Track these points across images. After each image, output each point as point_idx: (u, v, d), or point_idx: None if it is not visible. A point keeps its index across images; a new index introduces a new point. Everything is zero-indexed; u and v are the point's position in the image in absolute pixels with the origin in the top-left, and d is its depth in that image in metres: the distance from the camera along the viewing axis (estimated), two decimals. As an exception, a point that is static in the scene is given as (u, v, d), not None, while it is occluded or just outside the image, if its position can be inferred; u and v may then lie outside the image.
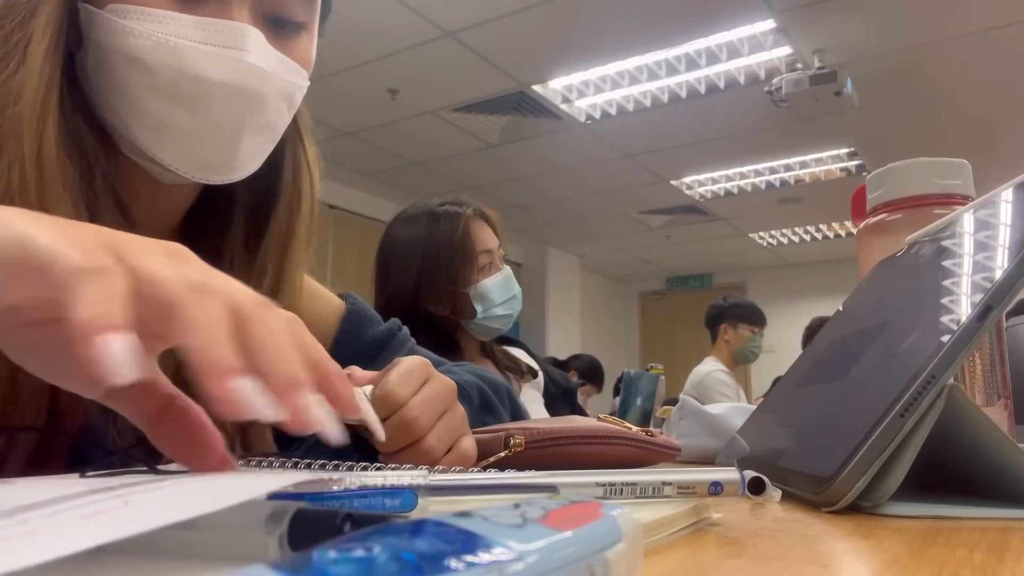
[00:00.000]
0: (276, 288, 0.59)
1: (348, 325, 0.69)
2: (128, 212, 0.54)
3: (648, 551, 0.26)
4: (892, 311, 0.47)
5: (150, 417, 0.31)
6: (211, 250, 0.58)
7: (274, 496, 0.23)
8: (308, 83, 0.57)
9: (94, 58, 0.50)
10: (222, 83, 0.50)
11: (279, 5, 0.54)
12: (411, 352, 0.72)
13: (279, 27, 0.54)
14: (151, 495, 0.19)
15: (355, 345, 0.69)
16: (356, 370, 0.49)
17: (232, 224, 0.60)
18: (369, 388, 0.45)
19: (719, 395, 2.96)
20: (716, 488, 0.30)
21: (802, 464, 0.39)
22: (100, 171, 0.51)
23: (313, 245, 0.63)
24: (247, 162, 0.54)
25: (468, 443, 0.48)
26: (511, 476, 0.31)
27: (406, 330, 0.73)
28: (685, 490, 0.30)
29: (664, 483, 0.30)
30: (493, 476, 0.31)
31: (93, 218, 0.49)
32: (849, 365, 0.44)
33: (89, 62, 0.51)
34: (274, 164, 0.59)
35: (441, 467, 0.44)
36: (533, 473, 0.30)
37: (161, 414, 0.31)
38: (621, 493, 0.30)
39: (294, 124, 0.61)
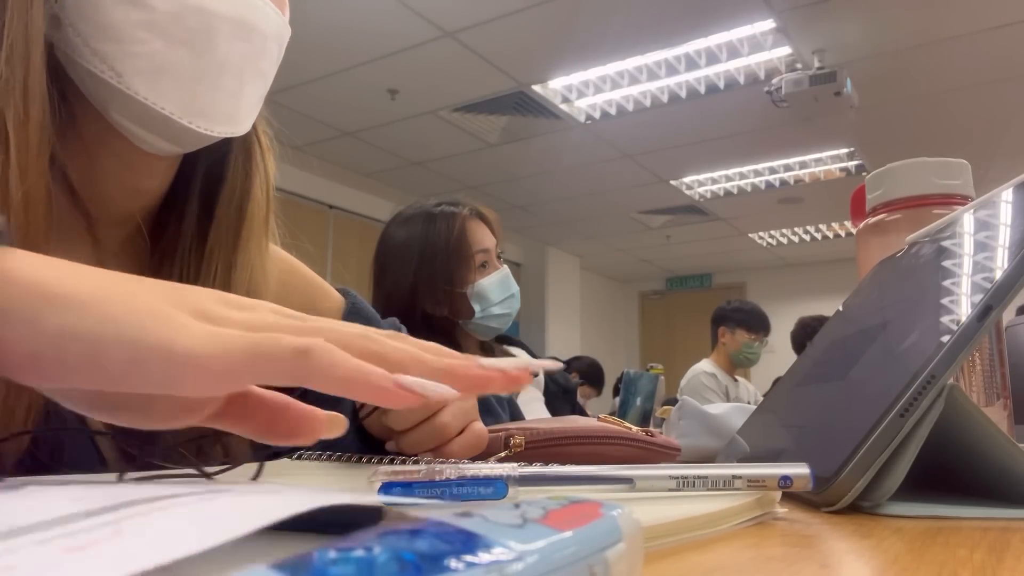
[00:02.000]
0: (228, 277, 0.54)
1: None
2: (85, 202, 0.49)
3: (653, 552, 0.26)
4: (892, 311, 0.47)
5: (245, 418, 0.31)
6: (170, 243, 0.56)
7: (386, 487, 0.28)
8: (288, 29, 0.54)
9: (70, 4, 0.44)
10: (228, 17, 0.46)
11: None
12: None
13: None
14: (158, 518, 0.18)
15: None
16: None
17: (187, 213, 0.56)
18: None
19: (702, 398, 2.96)
20: (786, 482, 0.31)
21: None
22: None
23: (268, 228, 0.59)
24: (249, 112, 0.50)
25: (480, 426, 0.49)
26: (590, 468, 0.33)
27: (405, 330, 0.73)
28: (755, 483, 0.31)
29: (735, 476, 0.32)
30: (574, 468, 0.34)
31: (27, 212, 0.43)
32: (849, 365, 0.44)
33: (69, 12, 0.44)
34: (225, 143, 0.54)
35: (453, 459, 0.44)
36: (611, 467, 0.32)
37: (249, 410, 0.32)
38: (693, 486, 0.32)
39: None
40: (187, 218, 0.56)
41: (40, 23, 0.43)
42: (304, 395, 0.61)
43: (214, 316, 0.27)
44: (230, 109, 0.48)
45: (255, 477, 0.34)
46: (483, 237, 1.44)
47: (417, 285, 1.39)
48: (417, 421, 0.46)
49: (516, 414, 0.69)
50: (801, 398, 0.51)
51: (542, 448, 0.45)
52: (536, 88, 3.75)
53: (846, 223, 6.25)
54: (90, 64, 0.44)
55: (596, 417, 0.57)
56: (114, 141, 0.48)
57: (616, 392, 4.12)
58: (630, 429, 0.49)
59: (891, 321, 0.45)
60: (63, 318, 0.25)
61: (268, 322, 0.28)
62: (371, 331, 0.29)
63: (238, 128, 0.49)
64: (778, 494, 0.33)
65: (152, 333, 0.25)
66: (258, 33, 0.48)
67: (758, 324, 3.22)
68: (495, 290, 1.43)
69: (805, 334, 3.36)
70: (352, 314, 0.68)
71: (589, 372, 4.46)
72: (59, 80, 0.45)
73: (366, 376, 0.25)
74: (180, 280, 0.54)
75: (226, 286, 0.54)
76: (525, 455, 0.45)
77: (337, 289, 0.70)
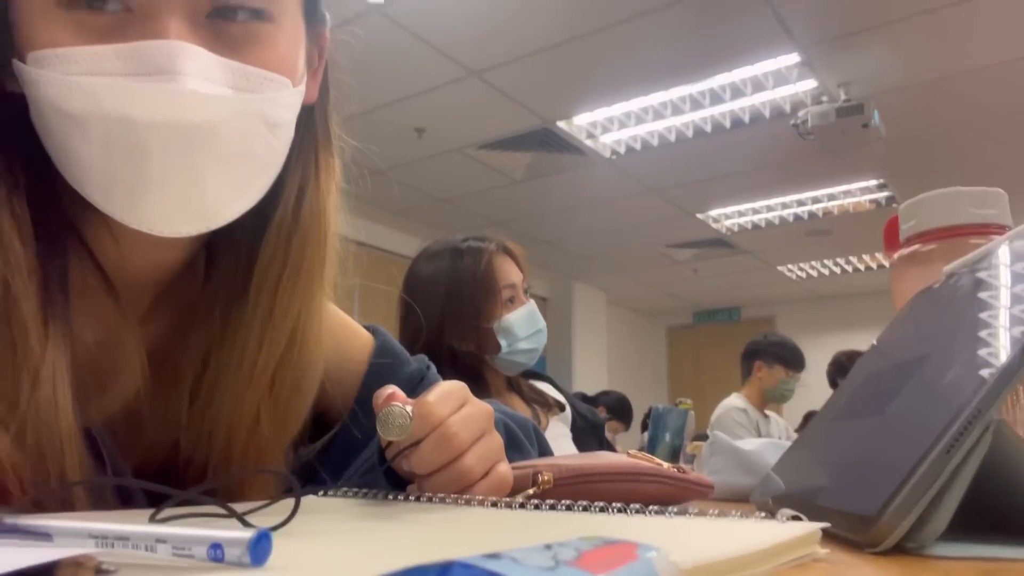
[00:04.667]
0: (268, 321, 0.52)
1: (377, 366, 0.65)
2: (110, 275, 0.49)
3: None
4: (931, 344, 0.46)
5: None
6: (210, 296, 0.54)
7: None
8: (291, 91, 0.48)
9: (36, 116, 0.44)
10: (154, 123, 0.41)
11: None
12: None
13: (229, 18, 0.45)
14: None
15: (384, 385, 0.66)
16: (397, 391, 0.48)
17: (228, 267, 0.54)
18: (408, 407, 0.45)
19: (733, 434, 2.90)
20: (216, 552, 0.25)
21: (843, 503, 0.38)
22: (71, 240, 0.47)
23: (324, 269, 0.55)
24: (226, 204, 0.46)
25: (505, 468, 0.47)
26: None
27: (434, 369, 0.72)
28: (182, 551, 0.25)
29: (158, 540, 0.25)
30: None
31: (57, 289, 0.45)
32: (888, 400, 0.43)
33: (36, 122, 0.45)
34: (274, 190, 0.51)
35: (479, 495, 0.43)
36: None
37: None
38: (112, 546, 0.26)
39: (305, 140, 0.54)
40: (229, 265, 0.54)
41: None
42: (334, 438, 0.60)
43: None
44: (195, 210, 0.45)
45: (291, 516, 0.33)
46: (510, 272, 1.44)
47: (444, 320, 1.39)
48: (440, 464, 0.45)
49: (545, 450, 0.68)
50: (838, 434, 0.49)
51: (571, 485, 0.44)
52: (561, 124, 3.79)
53: (877, 255, 6.16)
54: (62, 171, 0.45)
55: (626, 453, 0.56)
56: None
57: (644, 427, 4.06)
58: (661, 465, 0.47)
59: (930, 354, 0.44)
60: None
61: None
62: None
63: (216, 221, 0.46)
64: (818, 534, 0.32)
65: None
66: (200, 129, 0.42)
67: (796, 361, 3.15)
68: (522, 325, 1.43)
69: (840, 370, 3.29)
70: (380, 353, 0.67)
71: (617, 407, 4.41)
72: None
73: None
74: (221, 333, 0.53)
75: (265, 328, 0.52)
76: (553, 492, 0.44)
77: (365, 327, 0.69)
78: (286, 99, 0.47)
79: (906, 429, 0.38)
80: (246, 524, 0.33)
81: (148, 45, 0.42)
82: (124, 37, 0.42)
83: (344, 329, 0.66)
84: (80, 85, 0.41)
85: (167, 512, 0.35)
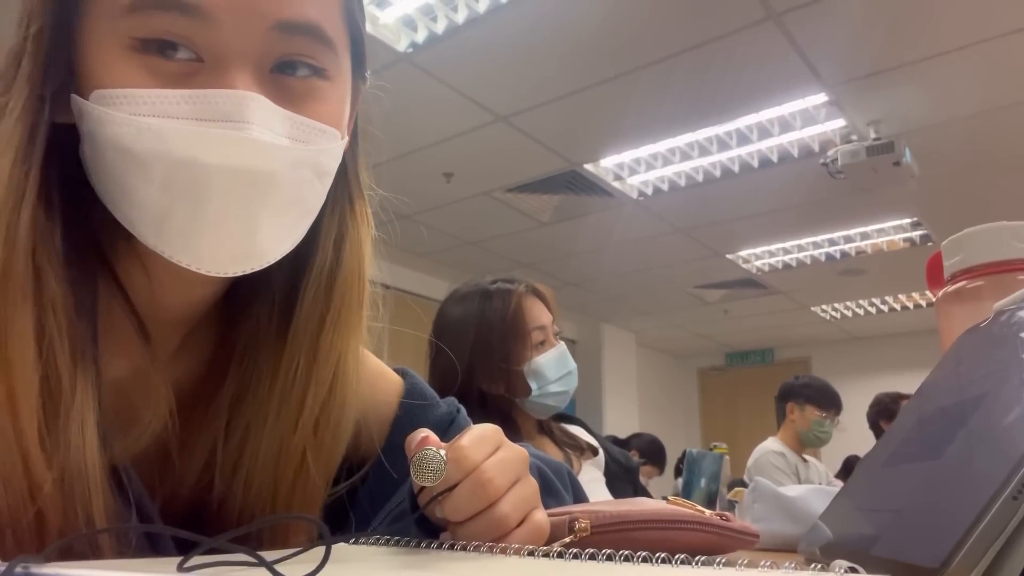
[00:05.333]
0: (311, 368, 0.52)
1: (407, 408, 0.65)
2: (140, 312, 0.50)
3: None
4: (986, 383, 0.44)
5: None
6: (244, 337, 0.54)
7: None
8: (340, 143, 0.50)
9: (90, 151, 0.45)
10: (220, 167, 0.43)
11: (290, 45, 0.46)
12: None
13: (290, 73, 0.47)
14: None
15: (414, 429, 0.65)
16: (431, 434, 0.47)
17: (262, 309, 0.54)
18: (443, 451, 0.44)
19: (772, 479, 2.81)
20: None
21: (902, 553, 0.35)
22: (102, 277, 0.48)
23: (363, 312, 0.57)
24: (273, 246, 0.48)
25: (541, 516, 0.46)
26: None
27: (464, 411, 0.71)
28: None
29: None
30: None
31: (88, 328, 0.46)
32: (944, 443, 0.41)
33: (87, 156, 0.46)
34: (312, 236, 0.52)
35: (514, 544, 0.41)
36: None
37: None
38: None
39: (339, 189, 0.55)
40: (264, 307, 0.54)
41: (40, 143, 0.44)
42: (365, 478, 0.59)
43: None
44: (244, 251, 0.46)
45: (321, 566, 0.32)
46: (539, 314, 1.43)
47: (473, 363, 1.38)
48: (474, 511, 0.44)
49: (580, 496, 0.66)
50: (891, 480, 0.47)
51: (610, 533, 0.42)
52: (588, 167, 3.81)
53: (914, 294, 6.03)
54: (111, 207, 0.46)
55: (664, 499, 0.54)
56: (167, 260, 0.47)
57: (678, 472, 3.97)
58: (703, 512, 0.45)
59: (987, 394, 0.42)
60: None
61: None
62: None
63: (259, 263, 0.47)
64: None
65: None
66: (262, 175, 0.44)
67: (828, 400, 3.06)
68: (552, 367, 1.41)
69: (881, 412, 3.20)
70: (410, 395, 0.66)
71: (650, 450, 4.33)
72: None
73: None
74: (256, 374, 0.53)
75: (308, 378, 0.52)
76: (591, 541, 0.42)
77: (395, 369, 0.69)
78: (336, 150, 0.50)
79: (967, 475, 0.36)
80: (275, 573, 0.32)
81: (218, 93, 0.43)
82: (193, 85, 0.44)
83: (374, 371, 0.66)
84: (149, 126, 0.43)
85: (195, 560, 0.34)
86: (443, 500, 0.44)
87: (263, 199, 0.45)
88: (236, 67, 0.44)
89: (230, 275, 0.46)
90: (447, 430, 0.65)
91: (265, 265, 0.48)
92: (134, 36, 0.43)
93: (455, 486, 0.44)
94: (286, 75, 0.47)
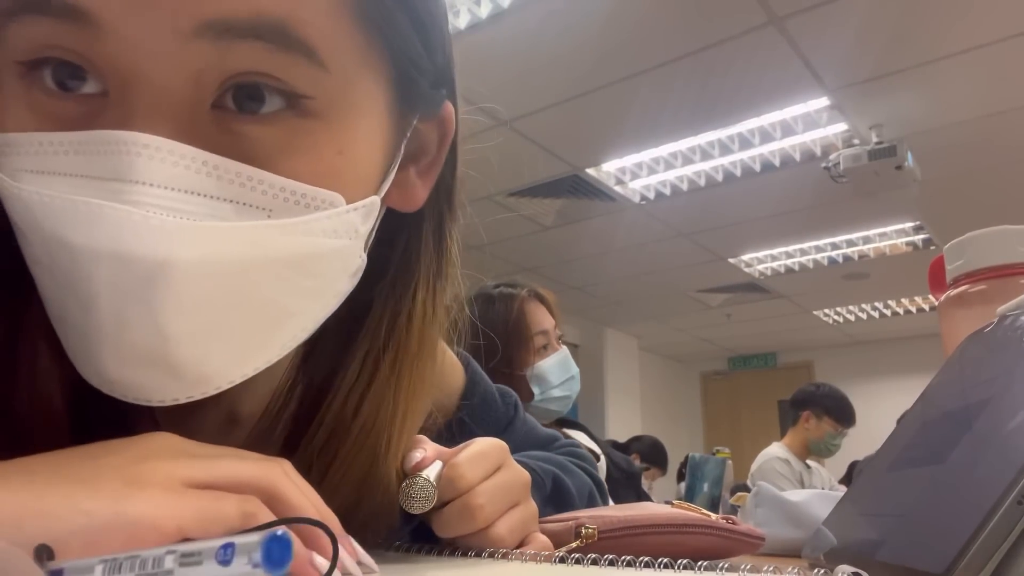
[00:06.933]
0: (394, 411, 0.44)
1: (467, 410, 0.62)
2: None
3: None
4: (991, 388, 0.44)
5: None
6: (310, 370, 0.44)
7: None
8: (338, 212, 0.34)
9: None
10: (93, 252, 0.29)
11: (235, 60, 0.30)
12: (527, 435, 0.68)
13: (248, 111, 0.32)
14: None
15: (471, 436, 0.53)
16: (426, 442, 0.45)
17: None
18: (438, 466, 0.44)
19: (776, 485, 2.79)
20: (226, 552, 0.23)
21: (906, 558, 0.35)
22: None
23: (436, 348, 0.48)
24: (228, 366, 0.33)
25: (542, 540, 0.44)
26: None
27: (521, 410, 0.69)
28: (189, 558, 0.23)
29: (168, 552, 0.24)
30: None
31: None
32: (948, 448, 0.41)
33: None
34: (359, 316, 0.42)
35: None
36: None
37: None
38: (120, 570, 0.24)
39: (403, 276, 0.43)
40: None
41: None
42: None
43: (173, 480, 0.29)
44: (172, 373, 0.32)
45: (330, 570, 0.32)
46: (542, 319, 1.43)
47: (476, 367, 1.38)
48: (464, 533, 0.42)
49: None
50: (895, 484, 0.47)
51: (617, 539, 0.42)
52: (590, 171, 3.81)
53: (917, 298, 6.02)
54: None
55: (669, 503, 0.54)
56: None
57: (680, 477, 3.95)
58: (709, 516, 0.45)
59: (991, 399, 0.42)
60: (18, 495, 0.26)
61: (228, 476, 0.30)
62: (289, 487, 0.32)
63: (212, 384, 0.33)
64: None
65: (108, 504, 0.26)
66: (158, 267, 0.29)
67: (847, 417, 3.02)
68: (555, 372, 1.41)
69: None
70: (470, 393, 0.64)
71: (651, 452, 4.31)
72: None
73: (296, 555, 0.27)
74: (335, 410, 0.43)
75: (391, 436, 0.44)
76: (597, 546, 0.42)
77: (457, 354, 0.64)
78: (325, 223, 0.33)
79: (971, 479, 0.36)
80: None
81: (100, 135, 0.30)
82: (93, 127, 0.30)
83: (443, 365, 0.61)
84: (16, 192, 0.30)
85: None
86: (432, 516, 0.43)
87: (170, 303, 0.30)
88: (146, 100, 0.30)
89: (169, 404, 0.33)
90: (499, 435, 0.63)
91: (225, 387, 0.34)
92: (18, 60, 0.31)
93: (446, 504, 0.43)
94: (242, 114, 0.31)
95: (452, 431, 0.60)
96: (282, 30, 0.30)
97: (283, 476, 0.32)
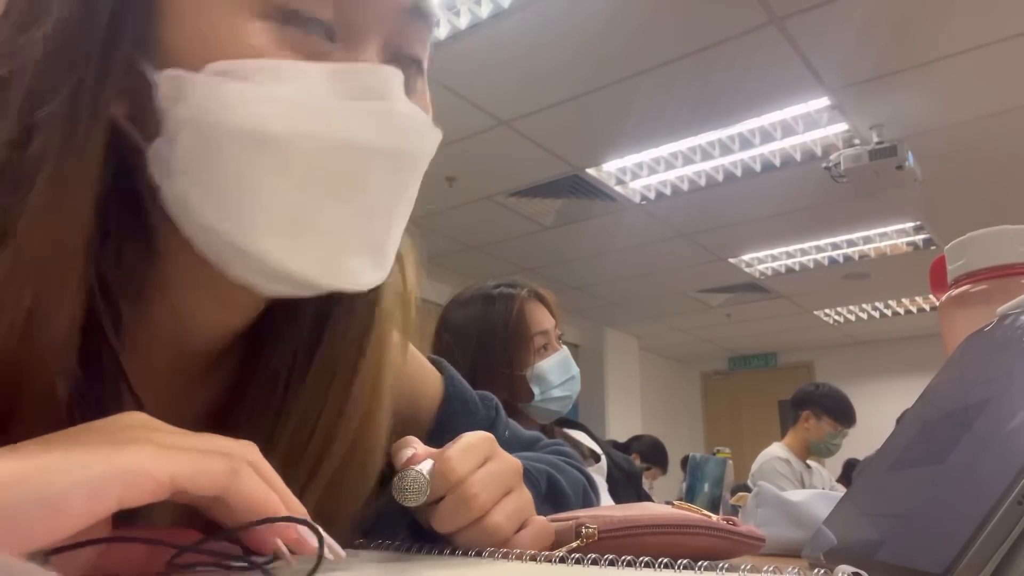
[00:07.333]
0: (348, 387, 0.46)
1: (446, 417, 0.61)
2: (165, 339, 0.43)
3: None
4: (991, 388, 0.44)
5: None
6: (269, 366, 0.47)
7: None
8: (435, 147, 0.45)
9: (185, 148, 0.35)
10: (380, 149, 0.37)
11: (410, 32, 0.42)
12: (509, 437, 0.67)
13: (404, 67, 0.41)
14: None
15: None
16: (416, 442, 0.46)
17: (289, 338, 0.47)
18: (429, 463, 0.44)
19: (776, 485, 2.79)
20: None
21: (906, 558, 0.35)
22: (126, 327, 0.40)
23: (408, 328, 0.51)
24: (392, 251, 0.41)
25: (542, 521, 0.45)
26: None
27: (502, 412, 0.68)
28: None
29: None
30: None
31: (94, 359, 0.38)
32: (948, 448, 0.41)
33: (176, 157, 0.36)
34: None
35: (516, 549, 0.41)
36: None
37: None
38: None
39: None
40: (297, 329, 0.47)
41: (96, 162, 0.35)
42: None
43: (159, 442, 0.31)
44: (379, 258, 0.40)
45: (315, 569, 0.32)
46: (542, 319, 1.43)
47: (476, 368, 1.38)
48: (460, 526, 0.43)
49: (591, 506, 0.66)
50: (895, 484, 0.47)
51: (617, 538, 0.42)
52: (590, 171, 3.81)
53: (918, 298, 6.02)
54: (209, 219, 0.36)
55: (670, 503, 0.54)
56: (210, 284, 0.40)
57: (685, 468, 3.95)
58: (710, 517, 0.45)
59: (992, 399, 0.42)
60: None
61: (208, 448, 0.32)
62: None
63: (384, 274, 0.41)
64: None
65: (99, 461, 0.28)
66: (408, 158, 0.39)
67: (847, 416, 3.02)
68: (555, 372, 1.41)
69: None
70: (449, 398, 0.63)
71: (651, 452, 4.32)
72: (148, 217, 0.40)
73: (275, 508, 0.32)
74: (288, 396, 0.46)
75: (346, 397, 0.46)
76: (597, 546, 0.42)
77: (431, 360, 0.64)
78: (432, 153, 0.44)
79: (971, 479, 0.36)
80: (266, 574, 0.32)
81: (360, 67, 0.38)
82: (329, 58, 0.38)
83: (415, 373, 0.61)
84: (304, 104, 0.36)
85: (186, 558, 0.33)
86: (429, 512, 0.43)
87: (404, 191, 0.40)
88: (372, 48, 0.39)
89: (361, 287, 0.39)
90: None
91: (384, 278, 0.41)
92: (271, 2, 0.37)
93: (440, 499, 0.43)
94: (401, 67, 0.40)
95: (433, 438, 0.60)
96: (433, 20, 0.44)
97: (252, 457, 0.34)
